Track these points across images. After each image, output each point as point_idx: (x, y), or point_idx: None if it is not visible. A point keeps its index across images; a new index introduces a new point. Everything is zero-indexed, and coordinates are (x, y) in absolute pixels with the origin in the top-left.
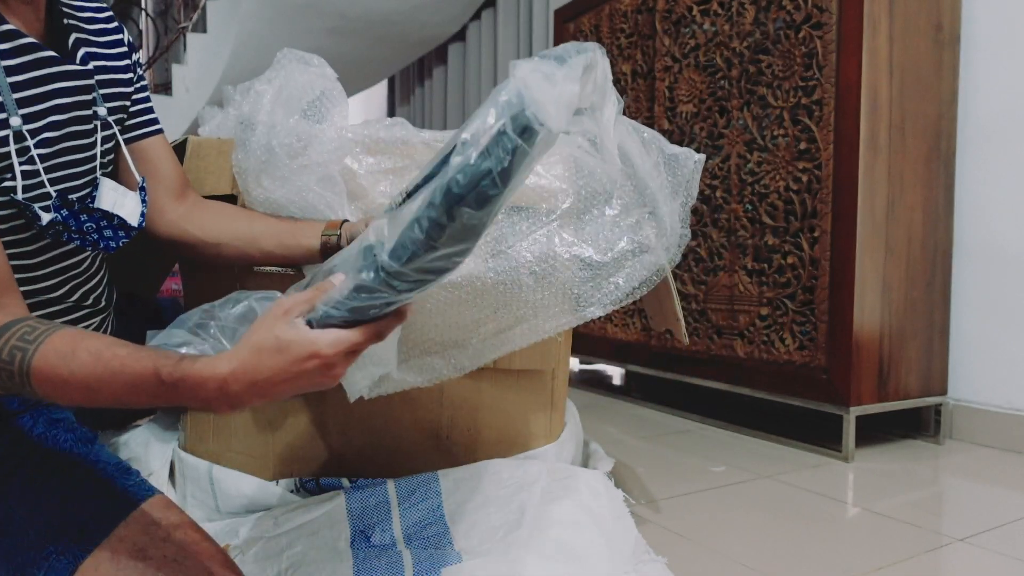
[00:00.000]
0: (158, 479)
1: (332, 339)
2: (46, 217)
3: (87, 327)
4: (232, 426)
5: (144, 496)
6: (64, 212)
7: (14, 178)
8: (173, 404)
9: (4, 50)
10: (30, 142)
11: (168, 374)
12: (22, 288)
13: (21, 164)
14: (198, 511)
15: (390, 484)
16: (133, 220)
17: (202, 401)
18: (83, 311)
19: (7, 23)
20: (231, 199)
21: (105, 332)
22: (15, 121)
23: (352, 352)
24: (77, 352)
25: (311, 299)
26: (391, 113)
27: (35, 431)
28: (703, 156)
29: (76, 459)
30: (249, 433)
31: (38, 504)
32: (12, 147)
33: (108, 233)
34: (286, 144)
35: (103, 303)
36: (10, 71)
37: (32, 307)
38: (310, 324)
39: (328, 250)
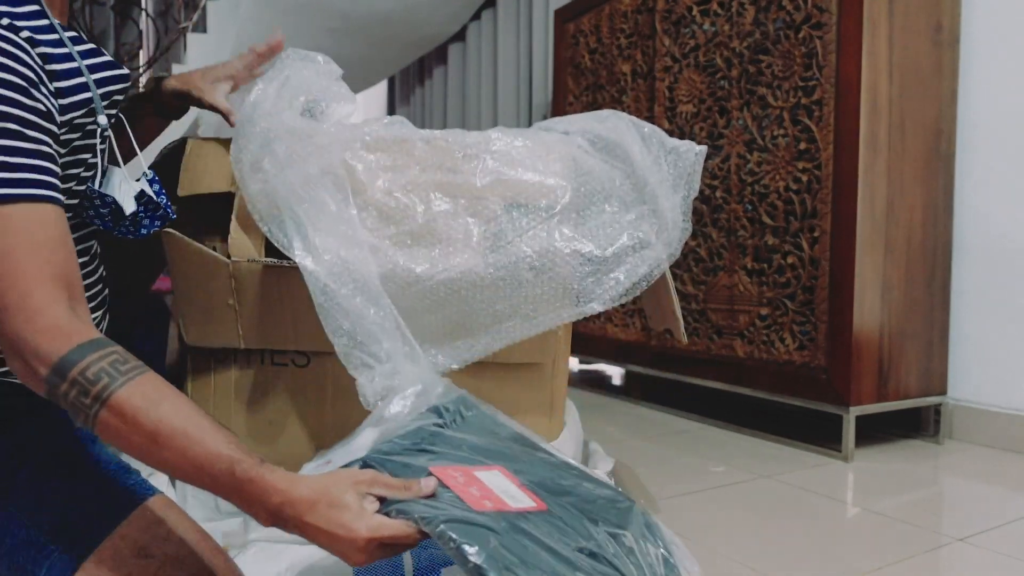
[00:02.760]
0: (158, 479)
1: (375, 524)
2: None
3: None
4: (233, 425)
5: (145, 495)
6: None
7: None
8: (222, 494)
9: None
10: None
11: (243, 471)
12: None
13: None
14: (198, 511)
15: None
16: (128, 208)
17: (253, 507)
18: (98, 322)
19: (86, 41)
20: (228, 197)
21: (102, 332)
22: (102, 120)
23: (385, 544)
24: (162, 404)
25: (396, 489)
26: (391, 113)
27: (37, 433)
28: (704, 148)
29: (78, 459)
30: (250, 432)
31: (40, 503)
32: (96, 142)
33: (104, 212)
34: (289, 127)
35: (98, 300)
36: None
37: None
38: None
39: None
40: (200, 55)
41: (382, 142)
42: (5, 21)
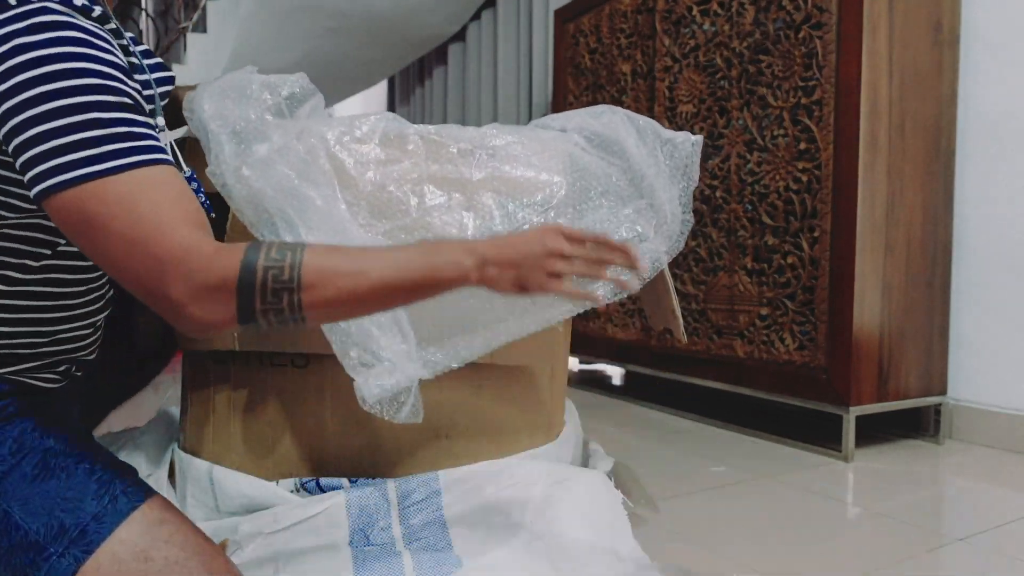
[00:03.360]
0: (158, 480)
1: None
2: None
3: (100, 337)
4: (232, 426)
5: (144, 497)
6: None
7: None
8: (424, 267)
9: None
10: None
11: (432, 241)
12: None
13: None
14: (198, 511)
15: (390, 484)
16: None
17: (454, 253)
18: (100, 325)
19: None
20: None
21: (101, 329)
22: (160, 121)
23: (572, 240)
24: (336, 248)
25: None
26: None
27: (36, 432)
28: (700, 138)
29: (76, 460)
30: (249, 433)
31: (38, 505)
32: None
33: None
34: (269, 125)
35: (104, 301)
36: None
37: (75, 335)
38: None
39: None
40: (200, 55)
41: (373, 135)
42: (97, 12)
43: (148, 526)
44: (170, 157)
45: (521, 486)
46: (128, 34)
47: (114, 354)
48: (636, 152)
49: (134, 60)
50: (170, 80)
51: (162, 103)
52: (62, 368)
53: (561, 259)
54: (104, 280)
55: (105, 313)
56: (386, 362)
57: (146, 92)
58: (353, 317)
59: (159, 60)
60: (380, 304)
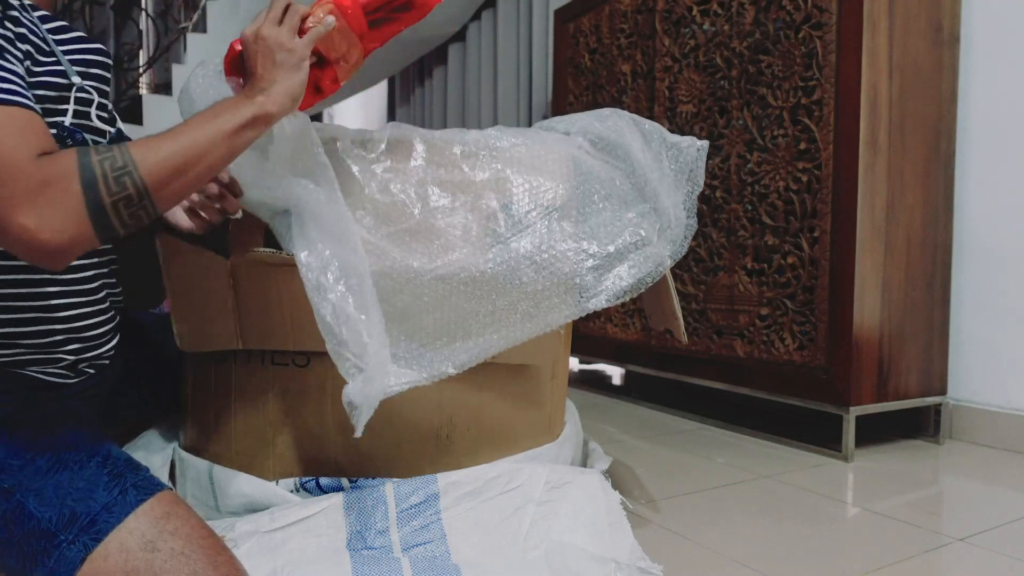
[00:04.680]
0: (164, 476)
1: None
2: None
3: (111, 331)
4: (233, 426)
5: (153, 490)
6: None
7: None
8: (239, 101)
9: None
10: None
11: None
12: (64, 288)
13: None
14: (198, 511)
15: (389, 485)
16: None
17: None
18: (108, 313)
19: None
20: None
21: (118, 337)
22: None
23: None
24: (152, 140)
25: None
26: (391, 113)
27: (54, 425)
28: (705, 143)
29: (89, 453)
30: (249, 433)
31: (52, 494)
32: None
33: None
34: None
35: (118, 304)
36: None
37: (72, 307)
38: None
39: None
40: (200, 55)
41: (379, 141)
42: None
43: (156, 518)
44: (28, 101)
45: (519, 491)
46: (59, 22)
47: (146, 366)
48: (641, 156)
49: (36, 39)
50: (96, 52)
51: (98, 80)
52: (72, 358)
53: (286, 51)
54: (103, 272)
55: (110, 299)
56: (372, 369)
57: (55, 68)
58: (197, 182)
59: (80, 35)
60: (206, 151)
